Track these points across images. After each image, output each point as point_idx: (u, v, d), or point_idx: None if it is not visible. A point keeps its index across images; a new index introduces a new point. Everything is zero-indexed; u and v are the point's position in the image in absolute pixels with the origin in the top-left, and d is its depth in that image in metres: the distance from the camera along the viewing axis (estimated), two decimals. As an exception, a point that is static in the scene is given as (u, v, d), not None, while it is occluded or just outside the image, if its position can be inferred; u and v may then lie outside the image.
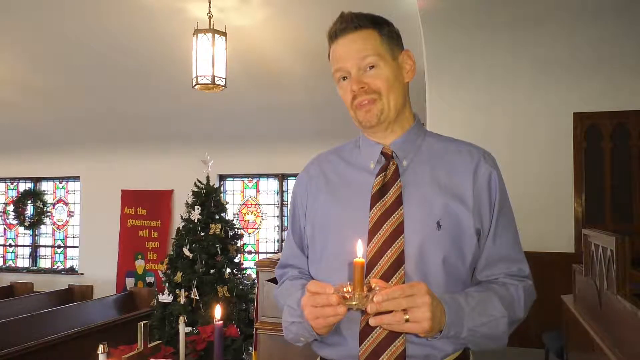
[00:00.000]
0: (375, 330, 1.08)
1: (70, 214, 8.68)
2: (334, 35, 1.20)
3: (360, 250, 1.01)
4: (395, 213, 1.13)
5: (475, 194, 1.16)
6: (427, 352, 1.10)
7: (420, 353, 1.10)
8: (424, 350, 1.10)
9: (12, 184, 9.01)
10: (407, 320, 0.97)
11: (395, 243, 1.11)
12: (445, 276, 1.12)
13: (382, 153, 1.22)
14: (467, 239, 1.14)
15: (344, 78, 1.19)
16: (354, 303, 0.98)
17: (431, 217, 1.13)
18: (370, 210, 1.15)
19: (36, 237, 8.84)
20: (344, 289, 1.00)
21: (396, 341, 1.08)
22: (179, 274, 4.67)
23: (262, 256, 7.42)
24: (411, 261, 1.11)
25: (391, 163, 1.20)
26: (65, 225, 8.71)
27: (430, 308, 0.98)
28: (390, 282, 1.09)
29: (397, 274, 1.10)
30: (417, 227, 1.13)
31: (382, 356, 1.08)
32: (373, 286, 1.00)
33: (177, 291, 4.66)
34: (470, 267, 1.17)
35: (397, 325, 0.98)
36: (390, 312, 0.98)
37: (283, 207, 7.66)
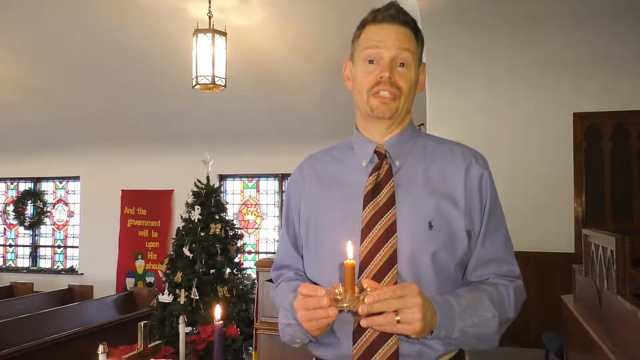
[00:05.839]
0: (369, 330, 1.08)
1: (70, 214, 8.68)
2: (380, 17, 1.19)
3: (351, 252, 1.02)
4: (388, 212, 1.14)
5: (467, 195, 1.17)
6: (420, 350, 1.10)
7: (413, 352, 1.10)
8: (417, 349, 1.10)
9: (12, 184, 9.01)
10: (398, 322, 0.98)
11: (388, 242, 1.12)
12: (437, 276, 1.13)
13: (375, 152, 1.22)
14: (458, 239, 1.15)
15: (371, 61, 1.18)
16: (345, 305, 0.99)
17: (423, 217, 1.14)
18: (363, 210, 1.15)
19: (36, 237, 8.83)
20: (336, 291, 1.01)
21: (389, 340, 1.09)
22: (179, 274, 4.67)
23: (262, 256, 7.42)
24: (403, 261, 1.12)
25: (384, 162, 1.20)
26: (65, 225, 8.71)
27: (421, 309, 0.98)
28: (383, 282, 1.10)
29: (390, 273, 1.11)
30: (409, 227, 1.13)
31: (376, 355, 1.09)
32: (365, 287, 1.00)
33: (177, 291, 4.66)
34: (461, 267, 1.18)
35: (389, 326, 0.99)
36: (382, 313, 0.98)
37: (283, 207, 7.66)
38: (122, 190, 8.00)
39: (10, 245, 9.02)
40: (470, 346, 1.14)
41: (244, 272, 5.09)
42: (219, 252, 4.77)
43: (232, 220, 5.23)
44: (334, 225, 1.19)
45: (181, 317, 2.24)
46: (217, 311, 1.80)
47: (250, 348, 3.96)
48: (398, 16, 1.18)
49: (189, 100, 6.26)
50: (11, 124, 7.65)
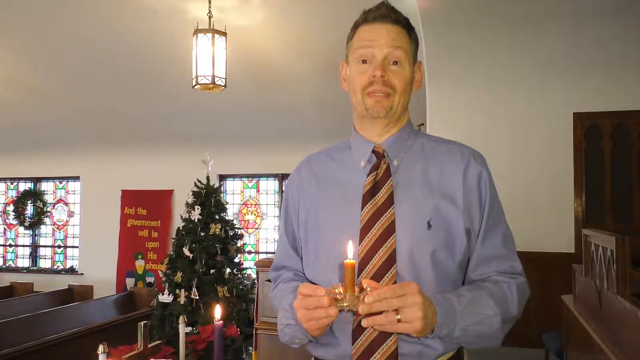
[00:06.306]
0: (368, 329, 1.08)
1: (70, 214, 8.68)
2: (371, 18, 1.19)
3: (351, 252, 1.02)
4: (387, 212, 1.14)
5: (466, 193, 1.17)
6: (419, 350, 1.10)
7: (412, 351, 1.10)
8: (416, 349, 1.10)
9: (12, 184, 9.01)
10: (399, 321, 0.97)
11: (387, 242, 1.12)
12: (436, 275, 1.13)
13: (373, 151, 1.22)
14: (457, 238, 1.15)
15: (364, 61, 1.18)
16: (345, 304, 0.99)
17: (422, 217, 1.14)
18: (361, 210, 1.15)
19: (36, 237, 8.84)
20: (336, 291, 1.01)
21: (388, 340, 1.09)
22: (179, 274, 4.67)
23: (262, 256, 7.42)
24: (402, 260, 1.12)
25: (382, 162, 1.20)
26: (65, 225, 8.71)
27: (421, 308, 0.98)
28: (382, 282, 1.09)
29: (389, 273, 1.10)
30: (408, 227, 1.13)
31: (375, 354, 1.09)
32: (364, 287, 1.00)
33: (177, 291, 4.65)
34: (461, 267, 1.17)
35: (389, 325, 0.99)
36: (382, 312, 0.98)
37: (281, 208, 7.65)
38: (122, 190, 8.00)
39: (10, 245, 9.02)
40: (472, 344, 1.13)
41: (244, 272, 5.09)
42: (219, 252, 4.76)
43: (232, 220, 5.23)
44: (333, 225, 1.19)
45: (181, 317, 2.24)
46: (217, 311, 1.80)
47: (250, 348, 3.96)
48: (389, 15, 1.19)
49: (189, 100, 6.26)
50: (11, 124, 7.65)
